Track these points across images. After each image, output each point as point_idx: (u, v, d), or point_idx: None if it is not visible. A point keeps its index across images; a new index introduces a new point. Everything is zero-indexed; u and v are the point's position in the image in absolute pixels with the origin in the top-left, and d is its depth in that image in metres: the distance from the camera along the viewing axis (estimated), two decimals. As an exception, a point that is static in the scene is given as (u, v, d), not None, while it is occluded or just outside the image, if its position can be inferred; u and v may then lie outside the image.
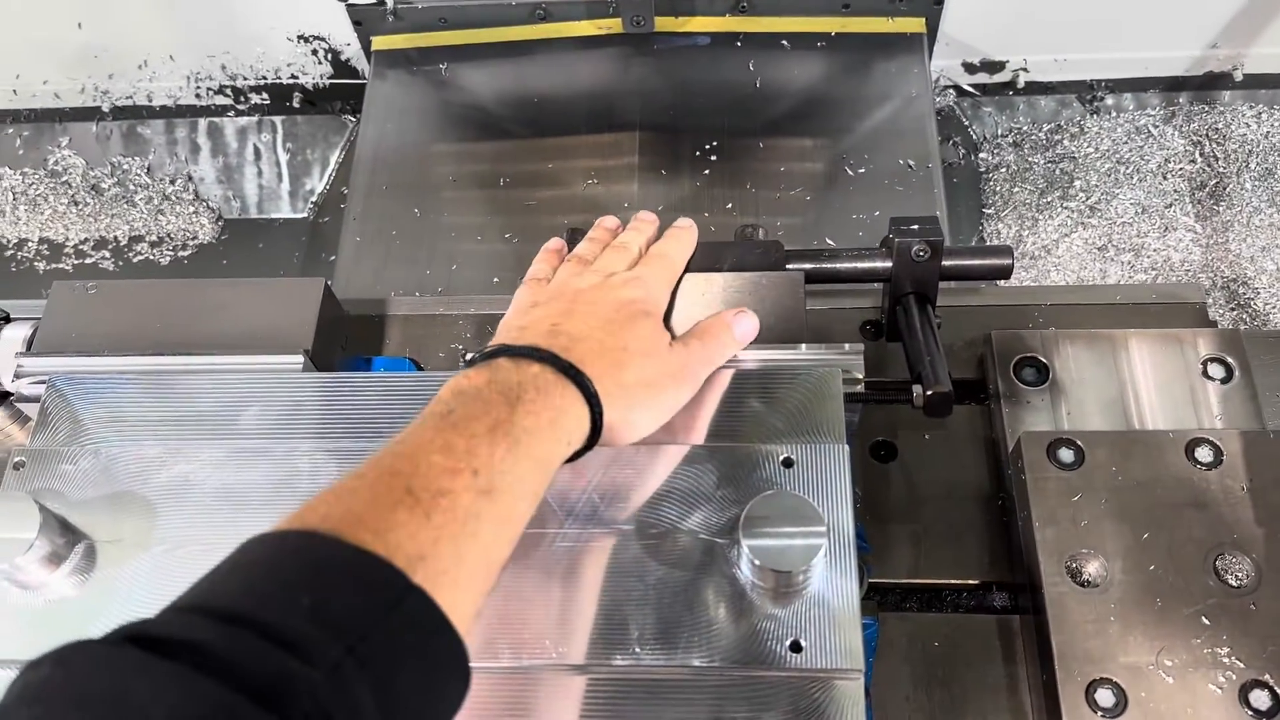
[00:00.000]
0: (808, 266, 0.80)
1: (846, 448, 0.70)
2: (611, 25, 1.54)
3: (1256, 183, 1.59)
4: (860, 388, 0.75)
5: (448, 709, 0.51)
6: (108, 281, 0.84)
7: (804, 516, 0.63)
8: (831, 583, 0.65)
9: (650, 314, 0.72)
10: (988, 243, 1.60)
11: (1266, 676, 0.70)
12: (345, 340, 0.88)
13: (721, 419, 0.73)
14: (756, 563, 0.62)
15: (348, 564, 0.49)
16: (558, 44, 1.57)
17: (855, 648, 0.63)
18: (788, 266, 0.80)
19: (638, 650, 0.64)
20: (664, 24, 1.54)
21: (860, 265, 0.80)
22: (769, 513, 0.64)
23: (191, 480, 0.72)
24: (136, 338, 0.81)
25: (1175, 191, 1.61)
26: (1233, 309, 1.53)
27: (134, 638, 0.43)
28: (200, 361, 0.78)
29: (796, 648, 0.63)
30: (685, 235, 0.81)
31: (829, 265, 0.81)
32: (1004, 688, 0.79)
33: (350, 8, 1.57)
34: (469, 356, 0.65)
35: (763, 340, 0.77)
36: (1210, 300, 1.55)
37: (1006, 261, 0.80)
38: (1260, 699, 0.70)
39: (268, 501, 0.71)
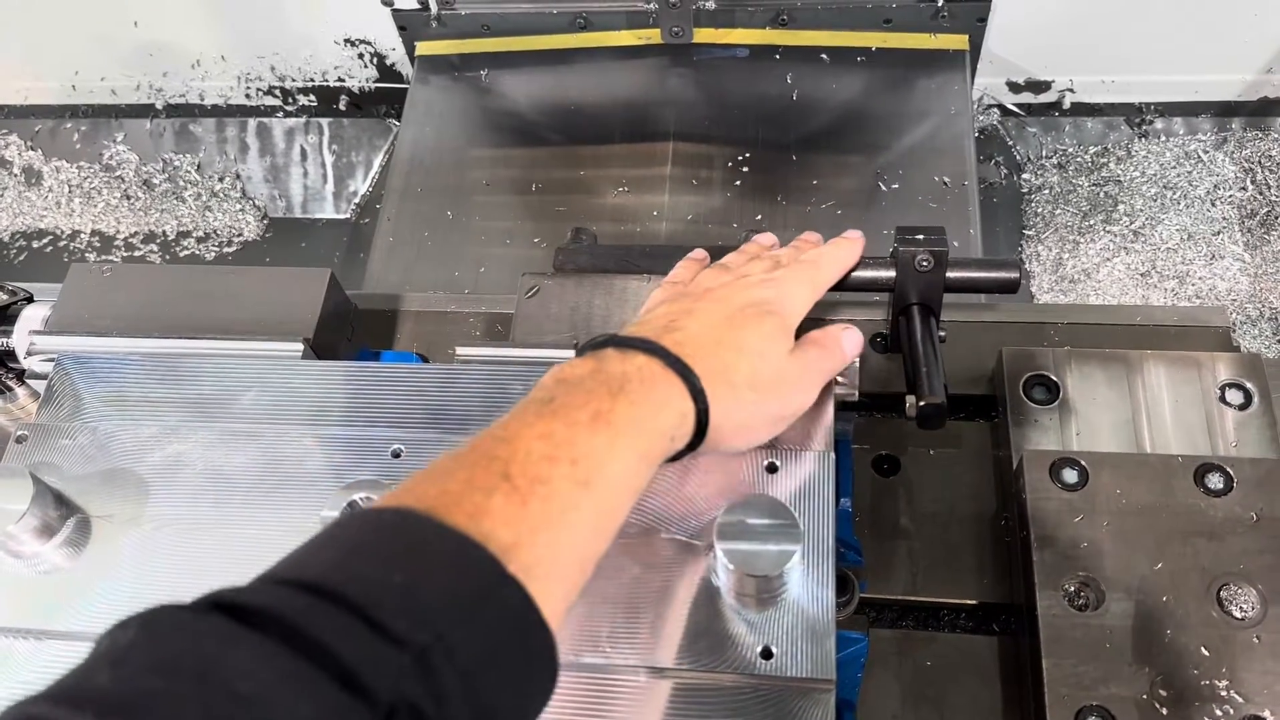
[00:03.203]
0: (810, 273, 0.79)
1: (832, 456, 0.69)
2: (651, 35, 1.55)
3: (1310, 212, 1.55)
4: (855, 396, 0.73)
5: (534, 705, 0.50)
6: (123, 265, 0.86)
7: (780, 522, 0.62)
8: (808, 591, 0.64)
9: (776, 314, 0.69)
10: (1026, 265, 1.57)
11: (1266, 713, 0.67)
12: (352, 331, 0.89)
13: (709, 421, 0.72)
14: (730, 566, 0.62)
15: (443, 546, 0.48)
16: (597, 53, 1.58)
17: (828, 657, 0.62)
18: (790, 272, 0.79)
19: (607, 649, 0.63)
20: (703, 35, 1.54)
21: (864, 274, 0.79)
22: (745, 517, 0.63)
23: (184, 460, 0.73)
24: (145, 320, 0.83)
25: (1224, 219, 1.57)
26: (1279, 340, 1.48)
27: (223, 605, 0.43)
28: (203, 345, 0.80)
29: (767, 654, 0.62)
30: (845, 246, 0.78)
31: (832, 272, 0.80)
32: (997, 711, 0.77)
33: (396, 13, 1.59)
34: (578, 345, 0.63)
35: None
36: (1256, 331, 1.50)
37: (1013, 275, 0.78)
38: (1259, 736, 0.67)
39: (255, 484, 0.72)
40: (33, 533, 0.69)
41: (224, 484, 0.72)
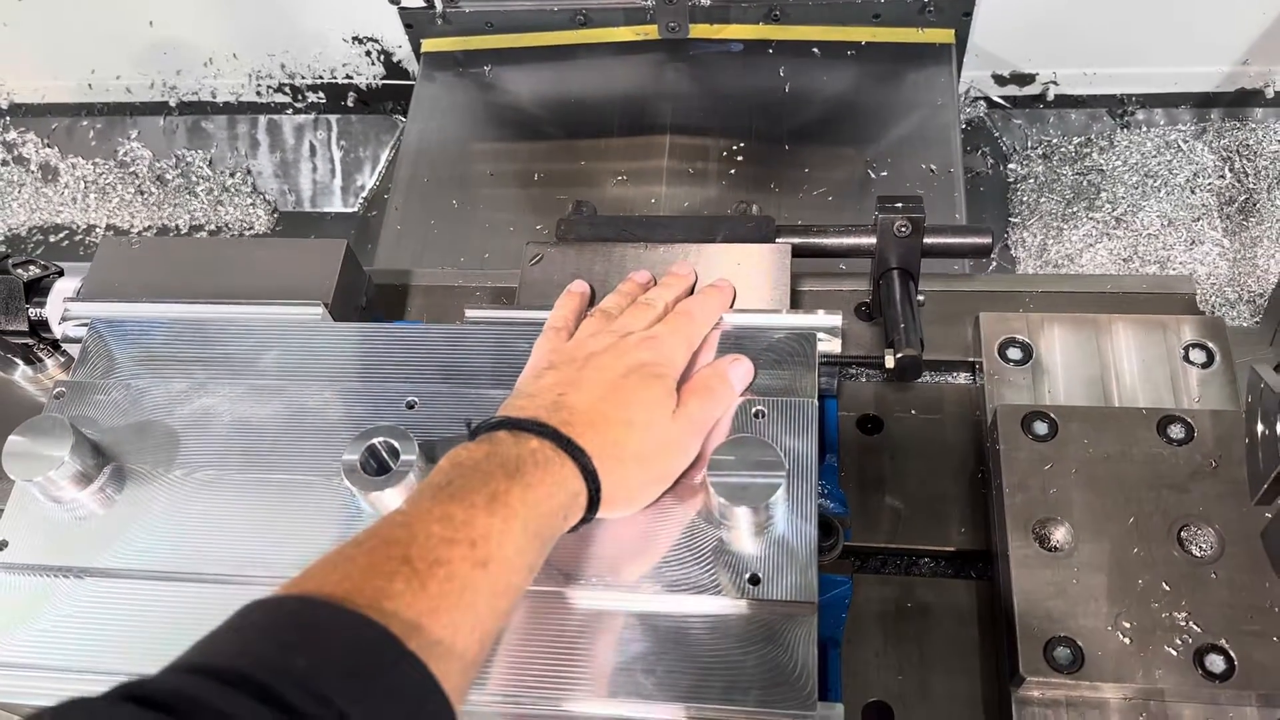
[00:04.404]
0: (796, 240, 0.84)
1: (815, 403, 0.74)
2: (648, 31, 1.60)
3: (1288, 199, 1.60)
4: (837, 349, 0.78)
5: None
6: (151, 238, 0.91)
7: (766, 459, 0.67)
8: (792, 524, 0.69)
9: (661, 376, 0.72)
10: (1012, 251, 1.62)
11: (1223, 641, 0.72)
12: (365, 301, 0.94)
13: (704, 374, 0.77)
14: (720, 499, 0.67)
15: (343, 628, 0.50)
16: (597, 49, 1.63)
17: (810, 582, 0.67)
18: (777, 240, 0.84)
19: (607, 576, 0.68)
20: (699, 30, 1.59)
21: (846, 240, 0.84)
22: (734, 454, 0.68)
23: (211, 413, 0.78)
24: (173, 287, 0.88)
25: (1203, 206, 1.62)
26: (1257, 323, 1.53)
27: (132, 696, 0.45)
28: (228, 310, 0.85)
29: (755, 580, 0.67)
30: (715, 296, 0.81)
31: (816, 240, 0.85)
32: (973, 646, 0.82)
33: (402, 11, 1.65)
34: (473, 425, 0.66)
35: (750, 306, 0.82)
36: (1235, 314, 1.55)
37: (985, 240, 0.83)
38: (1215, 663, 0.72)
39: (280, 434, 0.77)
40: (71, 479, 0.75)
41: (250, 434, 0.77)
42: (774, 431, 0.73)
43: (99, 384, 0.81)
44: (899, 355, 0.77)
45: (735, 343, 0.78)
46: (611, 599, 0.68)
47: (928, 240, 0.83)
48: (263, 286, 0.86)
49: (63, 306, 0.88)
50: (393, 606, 0.52)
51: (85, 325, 0.85)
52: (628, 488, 0.68)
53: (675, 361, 0.74)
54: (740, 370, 0.76)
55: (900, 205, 0.82)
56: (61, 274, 0.95)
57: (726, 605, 0.67)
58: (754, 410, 0.74)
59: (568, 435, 0.65)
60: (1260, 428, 0.70)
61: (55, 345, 0.97)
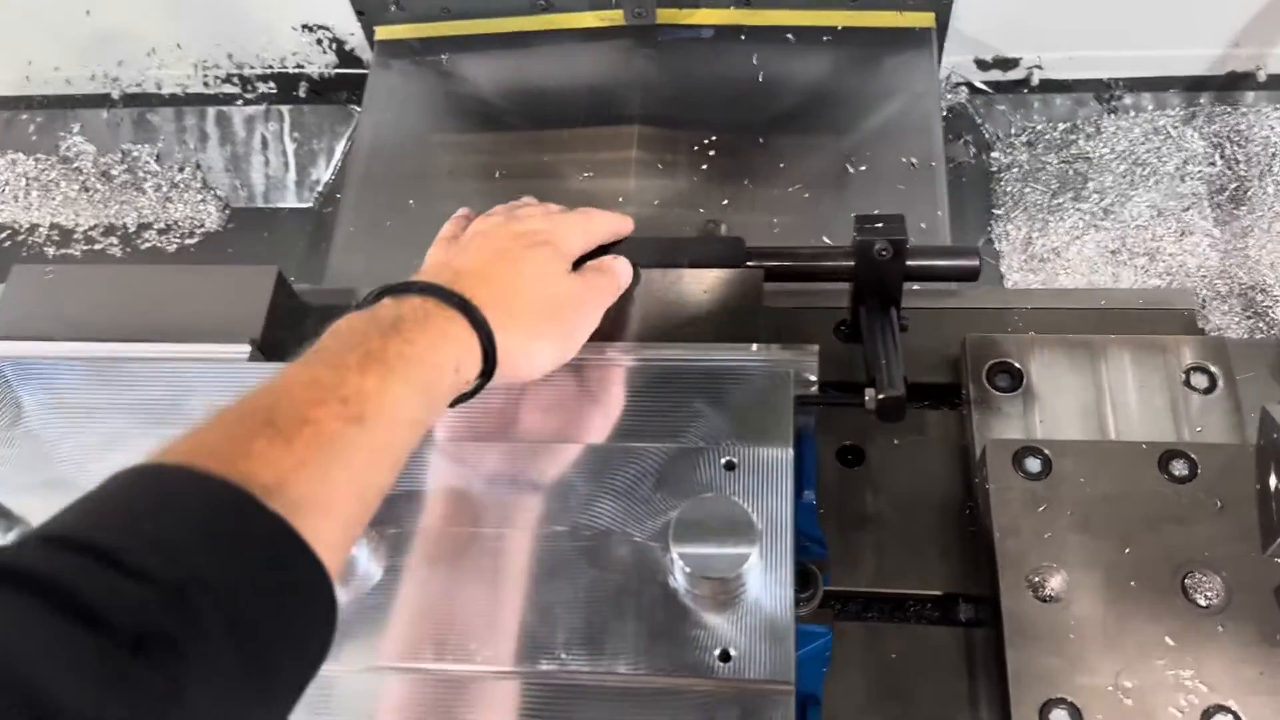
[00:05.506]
0: (768, 264, 0.78)
1: (791, 452, 0.68)
2: (613, 17, 1.52)
3: (1279, 187, 1.54)
4: (814, 390, 0.72)
5: (313, 637, 0.50)
6: (65, 267, 0.84)
7: (736, 523, 0.61)
8: (767, 591, 0.63)
9: (549, 243, 0.70)
10: (995, 245, 1.56)
11: (1231, 702, 0.67)
12: (305, 330, 0.87)
13: (665, 418, 0.71)
14: (686, 569, 0.60)
15: (195, 491, 0.48)
16: (559, 35, 1.55)
17: (787, 659, 0.61)
18: (747, 264, 0.78)
19: (563, 655, 0.62)
20: (666, 16, 1.51)
21: (822, 264, 0.78)
22: (701, 518, 0.62)
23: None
24: (90, 324, 0.81)
25: (1193, 195, 1.56)
26: (1249, 317, 1.48)
27: None
28: (148, 349, 0.78)
29: (725, 657, 0.61)
30: (618, 216, 0.79)
31: (790, 264, 0.78)
32: (963, 703, 0.76)
33: (353, -4, 1.56)
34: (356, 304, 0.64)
35: (718, 338, 0.75)
36: (1226, 308, 1.50)
37: (973, 263, 0.77)
38: (1223, 726, 0.67)
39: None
40: (-27, 547, 0.67)
41: (170, 492, 0.70)
42: (746, 484, 0.67)
43: (4, 435, 0.74)
44: (881, 397, 0.70)
45: (702, 381, 0.71)
46: (566, 683, 0.62)
47: (910, 263, 0.76)
48: (185, 321, 0.79)
49: (-32, 345, 0.81)
50: (251, 467, 0.49)
51: (-8, 367, 0.78)
52: (524, 340, 0.66)
53: (565, 237, 0.72)
54: (624, 265, 0.76)
55: (880, 226, 0.76)
56: (-27, 302, 0.88)
57: (696, 685, 0.61)
58: (723, 460, 0.68)
59: (452, 289, 0.63)
60: (1274, 480, 0.64)
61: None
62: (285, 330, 0.83)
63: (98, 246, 1.79)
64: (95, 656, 0.40)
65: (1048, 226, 1.55)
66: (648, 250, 0.79)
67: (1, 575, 0.42)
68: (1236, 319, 1.49)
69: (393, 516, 0.67)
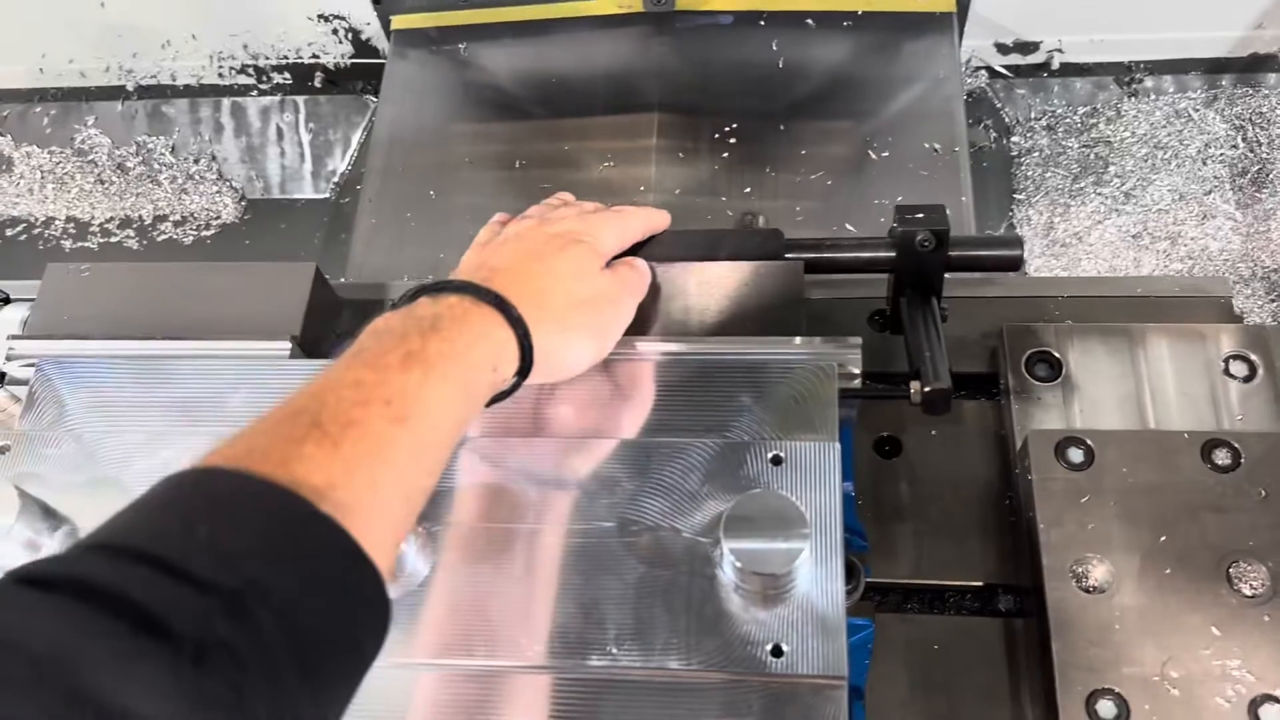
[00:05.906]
0: (808, 256, 0.78)
1: (838, 446, 0.67)
2: (632, 4, 1.51)
3: (1302, 169, 1.53)
4: (857, 383, 0.72)
5: (368, 639, 0.50)
6: (101, 265, 0.84)
7: (788, 518, 0.61)
8: (818, 586, 0.63)
9: (583, 242, 0.71)
10: (1017, 230, 1.55)
11: (1278, 692, 0.67)
12: (340, 325, 0.87)
13: (711, 412, 0.71)
14: (738, 564, 0.60)
15: (248, 495, 0.48)
16: (578, 23, 1.54)
17: (839, 654, 0.61)
18: (787, 256, 0.77)
19: (613, 651, 0.62)
20: (685, 2, 1.50)
21: (863, 255, 0.77)
22: (752, 513, 0.61)
23: (172, 467, 0.71)
24: (127, 322, 0.80)
25: (1215, 178, 1.55)
26: (1272, 300, 1.47)
27: (21, 578, 0.43)
28: (188, 346, 0.77)
29: (778, 652, 0.61)
30: (653, 212, 0.79)
31: (830, 255, 0.78)
32: (1005, 695, 0.76)
33: (369, -15, 1.55)
34: (393, 303, 0.64)
35: (759, 332, 0.75)
36: (1249, 291, 1.49)
37: (1016, 253, 0.76)
38: (1271, 713, 0.67)
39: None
40: (22, 546, 0.68)
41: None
42: (793, 478, 0.67)
43: (48, 435, 0.74)
44: (927, 390, 0.70)
45: (746, 375, 0.71)
46: (625, 673, 0.62)
47: (952, 254, 0.76)
48: (224, 318, 0.79)
49: (7, 343, 0.81)
50: (302, 470, 0.49)
51: (33, 365, 0.78)
52: (561, 337, 0.66)
53: (599, 236, 0.73)
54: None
55: (922, 216, 0.75)
56: (8, 300, 0.88)
57: (749, 681, 0.61)
58: (770, 455, 0.67)
59: (488, 287, 0.63)
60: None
61: (1, 376, 0.90)
62: (321, 326, 0.83)
63: (114, 239, 1.79)
64: (162, 668, 0.40)
65: (1069, 211, 1.54)
66: (685, 244, 0.79)
67: (62, 583, 0.42)
68: (1260, 303, 1.48)
69: (439, 513, 0.67)
